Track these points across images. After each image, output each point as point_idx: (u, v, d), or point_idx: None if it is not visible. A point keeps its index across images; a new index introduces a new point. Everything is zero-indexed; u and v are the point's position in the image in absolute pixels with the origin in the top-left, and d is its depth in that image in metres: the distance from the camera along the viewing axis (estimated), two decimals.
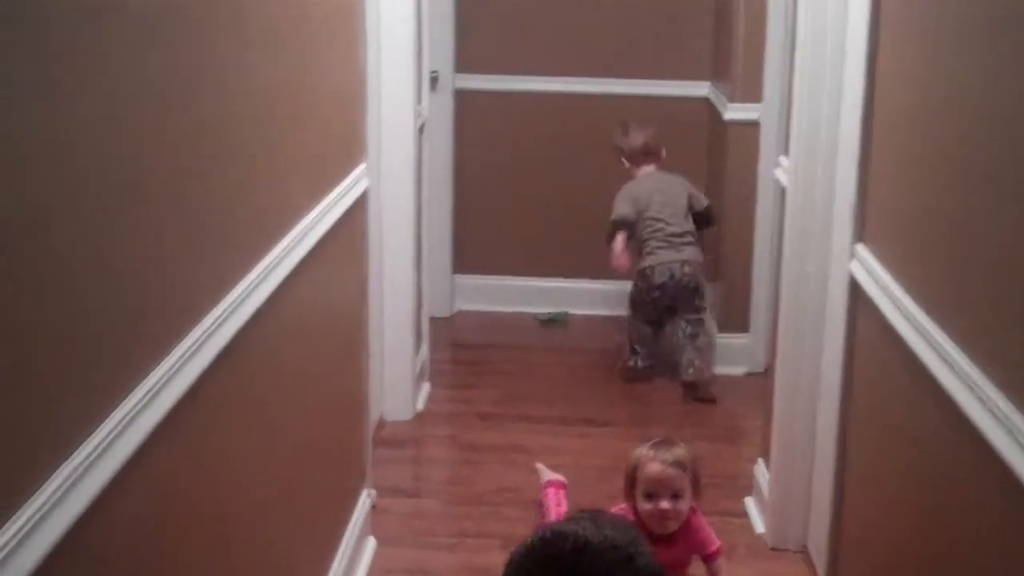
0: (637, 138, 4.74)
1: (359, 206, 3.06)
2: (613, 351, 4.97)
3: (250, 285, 2.06)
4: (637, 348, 4.67)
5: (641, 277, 4.60)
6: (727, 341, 4.75)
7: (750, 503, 3.67)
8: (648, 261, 4.56)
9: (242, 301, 2.00)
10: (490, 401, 4.45)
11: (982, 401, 1.73)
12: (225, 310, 1.90)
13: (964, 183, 1.91)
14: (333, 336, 2.90)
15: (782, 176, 3.38)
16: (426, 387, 4.49)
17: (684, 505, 2.79)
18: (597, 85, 5.22)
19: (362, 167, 3.09)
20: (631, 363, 4.66)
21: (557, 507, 3.37)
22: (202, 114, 1.80)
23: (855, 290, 2.48)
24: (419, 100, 4.14)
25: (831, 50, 3.07)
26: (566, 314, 5.23)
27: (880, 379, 2.32)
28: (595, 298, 5.34)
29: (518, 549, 1.59)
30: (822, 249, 3.16)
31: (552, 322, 5.21)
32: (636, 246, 4.65)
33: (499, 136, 5.30)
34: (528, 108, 5.24)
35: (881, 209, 2.39)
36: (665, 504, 2.77)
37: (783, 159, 3.41)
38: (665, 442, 2.89)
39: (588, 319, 5.29)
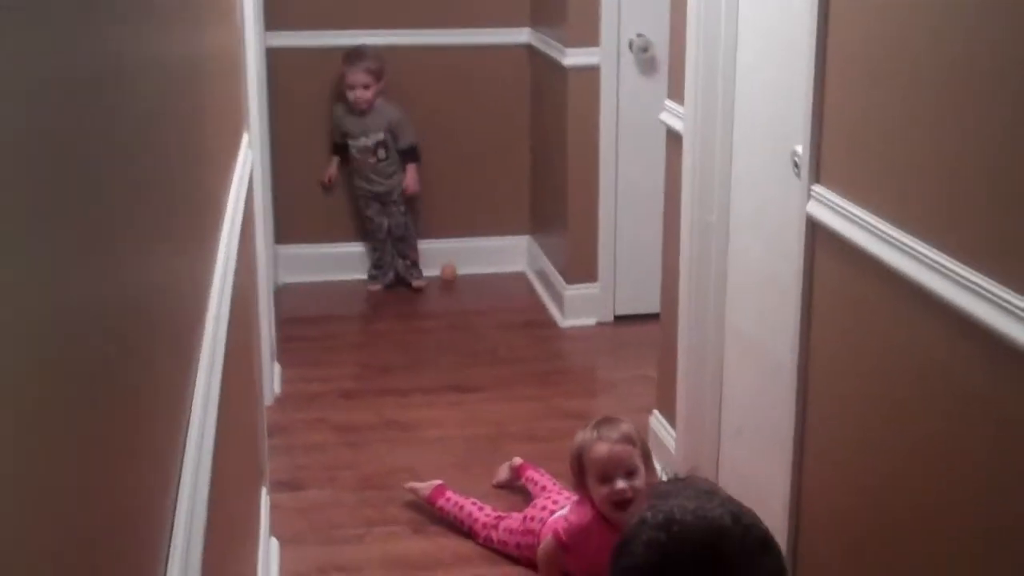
0: None
1: (249, 184, 2.78)
2: (461, 313, 4.83)
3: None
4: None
5: None
6: (575, 292, 4.68)
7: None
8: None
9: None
10: (349, 377, 4.24)
11: (974, 292, 1.83)
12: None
13: (925, 99, 1.91)
14: (238, 320, 2.62)
15: (672, 121, 3.29)
16: (277, 368, 4.20)
17: (640, 482, 2.67)
18: (411, 37, 5.03)
19: (247, 136, 2.79)
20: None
21: (462, 508, 3.20)
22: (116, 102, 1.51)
23: (814, 229, 2.41)
24: (260, 68, 3.81)
25: None
26: None
27: (851, 314, 2.28)
28: (431, 257, 5.15)
29: (629, 548, 1.40)
30: (723, 197, 3.11)
31: None
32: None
33: (313, 96, 5.02)
34: (339, 65, 4.97)
35: (839, 147, 2.32)
36: (621, 483, 2.65)
37: (670, 103, 3.32)
38: (606, 420, 2.79)
39: (430, 280, 5.10)
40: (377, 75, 4.90)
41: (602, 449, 2.64)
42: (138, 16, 1.29)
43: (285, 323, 4.61)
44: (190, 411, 1.53)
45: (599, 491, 2.62)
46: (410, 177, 5.03)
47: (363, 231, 5.12)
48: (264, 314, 3.68)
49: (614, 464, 2.63)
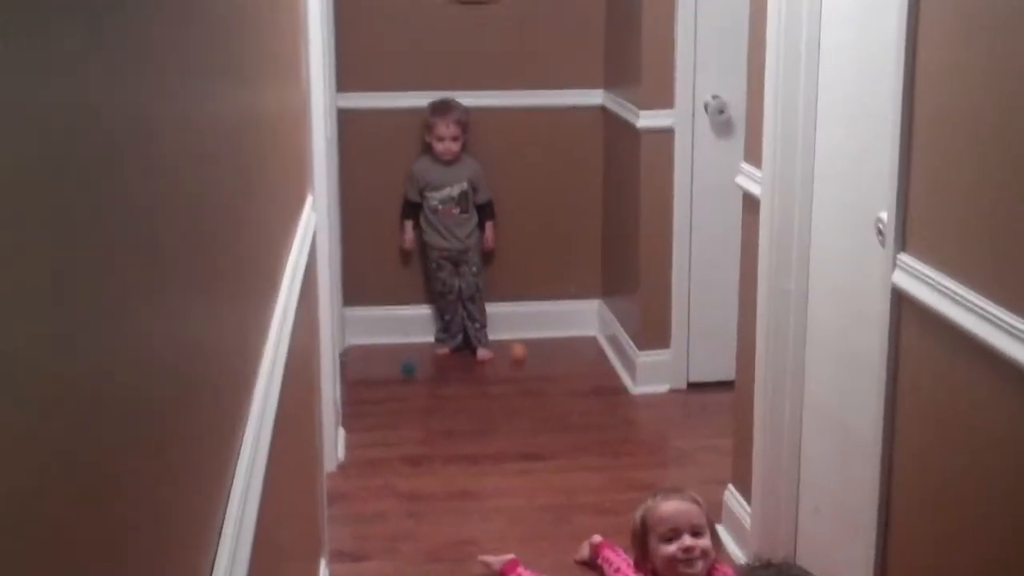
0: None
1: (312, 246, 2.73)
2: (530, 378, 4.74)
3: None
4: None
5: None
6: (647, 358, 4.57)
7: (722, 531, 3.45)
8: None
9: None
10: (415, 442, 4.15)
11: None
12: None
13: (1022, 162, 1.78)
14: (297, 384, 2.55)
15: (749, 184, 3.18)
16: (341, 433, 4.12)
17: (706, 543, 2.55)
18: (484, 98, 4.99)
19: (311, 197, 2.74)
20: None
21: None
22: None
23: (899, 300, 2.28)
24: (327, 126, 3.79)
25: (807, 46, 2.88)
26: (414, 366, 4.81)
27: (940, 391, 2.14)
28: (500, 321, 5.08)
29: None
30: (802, 264, 2.99)
31: (409, 372, 4.78)
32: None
33: (385, 157, 4.98)
34: (413, 125, 4.95)
35: (926, 215, 2.20)
36: (688, 540, 2.53)
37: (747, 166, 3.21)
38: (670, 488, 2.70)
39: (498, 344, 5.02)
40: (464, 127, 4.87)
41: (669, 506, 2.53)
42: (184, 70, 1.23)
43: (351, 386, 4.55)
44: (232, 479, 1.45)
45: (664, 552, 2.49)
46: (489, 234, 4.99)
47: (432, 292, 5.05)
48: (328, 377, 3.62)
49: (681, 519, 2.51)
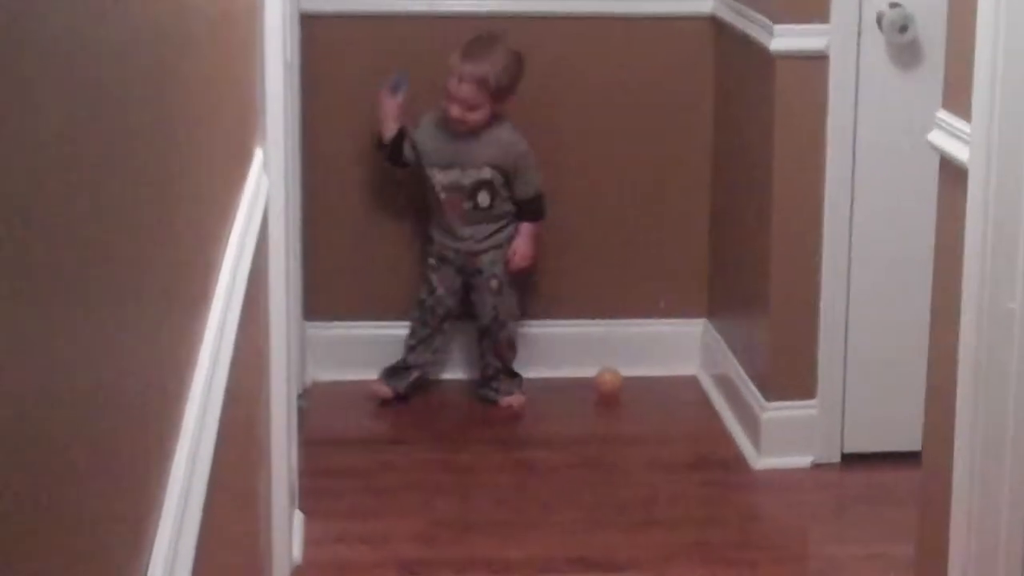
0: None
1: (262, 231, 2.83)
2: (594, 439, 4.74)
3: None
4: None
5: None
6: (780, 413, 4.60)
7: None
8: None
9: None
10: (413, 539, 4.19)
11: None
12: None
13: None
14: (234, 449, 2.58)
15: (950, 145, 3.17)
16: (298, 519, 4.12)
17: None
18: (547, 2, 5.07)
19: (260, 153, 2.81)
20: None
21: None
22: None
23: None
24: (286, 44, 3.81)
25: None
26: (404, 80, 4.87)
27: None
28: (550, 350, 5.11)
29: None
30: None
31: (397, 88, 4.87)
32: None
33: (375, 90, 4.99)
34: (420, 42, 4.98)
35: None
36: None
37: (946, 116, 3.19)
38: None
39: (545, 383, 5.06)
40: (498, 93, 4.87)
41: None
42: None
43: (314, 447, 4.56)
44: None
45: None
46: (524, 242, 5.00)
47: (417, 299, 5.08)
48: (280, 434, 3.65)
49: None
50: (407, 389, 4.99)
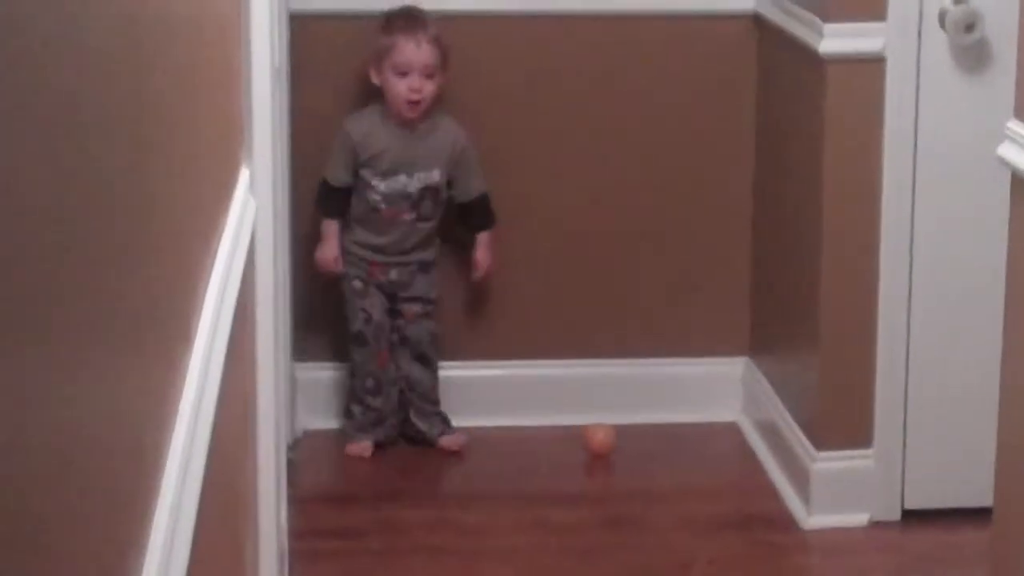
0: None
1: (249, 261, 2.86)
2: (623, 496, 4.74)
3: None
4: None
5: None
6: (833, 464, 4.60)
7: None
8: None
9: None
10: None
11: None
12: None
13: None
14: (218, 514, 2.58)
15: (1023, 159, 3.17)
16: None
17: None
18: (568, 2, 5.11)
19: (246, 172, 2.89)
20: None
21: None
22: None
23: None
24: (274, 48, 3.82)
25: None
26: None
27: None
28: (565, 392, 5.10)
29: None
30: None
31: None
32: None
33: (370, 96, 5.03)
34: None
35: None
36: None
37: (1017, 126, 3.20)
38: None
39: (564, 431, 5.08)
40: (444, 59, 4.92)
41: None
42: None
43: (304, 505, 4.57)
44: None
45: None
46: (485, 254, 5.05)
47: (347, 333, 5.07)
48: (269, 495, 3.65)
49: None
50: (381, 442, 5.00)
